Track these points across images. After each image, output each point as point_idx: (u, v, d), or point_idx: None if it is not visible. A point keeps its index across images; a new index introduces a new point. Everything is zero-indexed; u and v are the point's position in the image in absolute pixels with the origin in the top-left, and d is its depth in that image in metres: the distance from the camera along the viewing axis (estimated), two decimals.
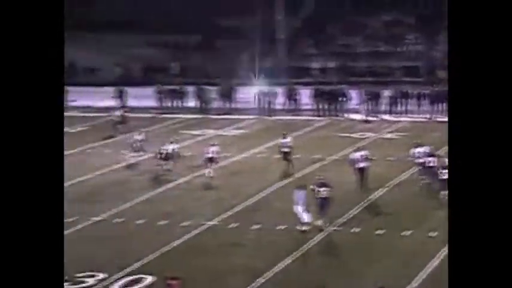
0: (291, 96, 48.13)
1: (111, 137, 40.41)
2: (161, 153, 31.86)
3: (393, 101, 46.20)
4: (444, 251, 21.57)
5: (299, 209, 24.09)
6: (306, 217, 24.02)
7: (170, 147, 32.08)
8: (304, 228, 23.99)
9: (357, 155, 29.48)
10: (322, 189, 24.45)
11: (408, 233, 23.82)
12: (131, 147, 34.81)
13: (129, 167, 33.72)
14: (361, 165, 29.03)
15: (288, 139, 32.94)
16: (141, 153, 34.34)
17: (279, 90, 48.57)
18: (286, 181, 30.47)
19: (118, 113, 42.73)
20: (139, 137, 35.01)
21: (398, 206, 26.86)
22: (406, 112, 45.55)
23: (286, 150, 32.49)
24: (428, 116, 44.55)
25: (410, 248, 22.77)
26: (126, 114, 42.80)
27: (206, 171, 30.97)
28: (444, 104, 44.88)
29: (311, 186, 24.86)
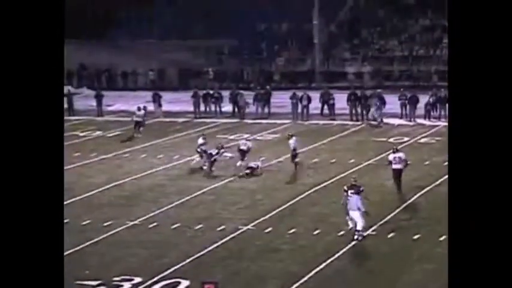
0: (326, 100, 48.06)
1: (130, 138, 40.82)
2: (241, 150, 33.05)
3: (430, 106, 45.92)
4: None
5: (355, 214, 23.60)
6: (360, 223, 23.49)
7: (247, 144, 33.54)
8: (356, 236, 23.58)
9: (393, 156, 29.49)
10: (351, 191, 24.46)
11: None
12: (196, 151, 34.34)
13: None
14: (398, 166, 29.06)
15: (291, 141, 33.00)
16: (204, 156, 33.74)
17: (315, 94, 48.54)
18: (321, 186, 30.46)
19: (140, 113, 42.76)
20: (201, 141, 34.59)
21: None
22: (442, 117, 45.27)
23: (292, 153, 32.79)
24: None
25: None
26: (145, 118, 42.89)
27: (238, 163, 31.24)
28: None
29: (344, 187, 24.87)
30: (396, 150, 29.93)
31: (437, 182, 30.28)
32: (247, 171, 32.38)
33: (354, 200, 23.84)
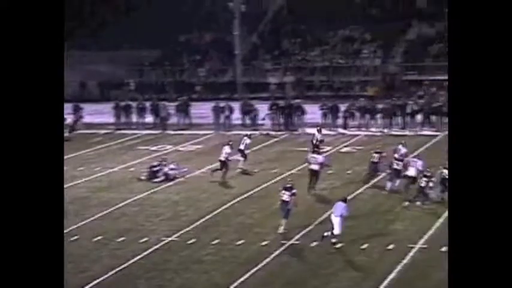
0: (248, 111, 48.19)
1: None
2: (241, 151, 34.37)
3: (350, 115, 46.45)
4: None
5: (336, 220, 23.94)
6: (338, 229, 23.85)
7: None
8: (334, 240, 23.89)
9: (312, 157, 30.93)
10: (286, 193, 25.14)
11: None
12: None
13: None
14: (315, 167, 30.30)
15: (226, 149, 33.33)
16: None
17: (236, 105, 48.61)
18: (245, 195, 30.45)
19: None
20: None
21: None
22: (362, 126, 45.82)
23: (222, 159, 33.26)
24: (384, 129, 44.86)
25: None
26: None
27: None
28: (399, 118, 45.31)
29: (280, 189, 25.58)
30: (315, 152, 31.16)
31: (360, 191, 30.56)
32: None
33: (340, 207, 24.13)
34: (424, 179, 27.97)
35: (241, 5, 54.35)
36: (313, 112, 46.87)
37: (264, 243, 24.42)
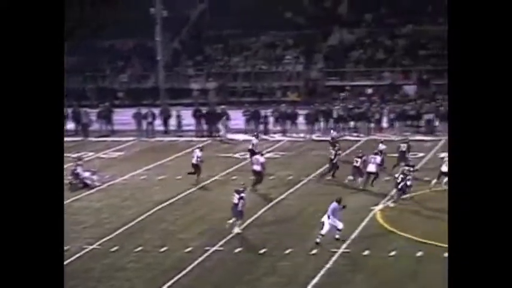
0: (170, 117, 48.04)
1: None
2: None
3: (273, 121, 46.66)
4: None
5: (333, 221, 24.34)
6: (339, 225, 24.40)
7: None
8: (337, 236, 24.38)
9: (255, 158, 32.11)
10: (236, 195, 25.67)
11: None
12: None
13: None
14: (257, 168, 31.32)
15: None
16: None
17: (159, 111, 48.37)
18: (169, 202, 30.30)
19: None
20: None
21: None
22: (287, 131, 46.08)
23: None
24: (306, 135, 45.17)
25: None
26: None
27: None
28: (321, 123, 45.71)
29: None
30: (260, 153, 32.41)
31: (283, 196, 30.69)
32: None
33: (333, 206, 24.52)
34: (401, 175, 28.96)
35: (162, 10, 54.06)
36: (236, 118, 46.93)
37: (187, 249, 24.32)
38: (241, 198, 25.67)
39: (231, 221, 25.82)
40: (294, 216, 27.92)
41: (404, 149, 34.05)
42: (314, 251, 23.75)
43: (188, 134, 46.81)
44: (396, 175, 29.52)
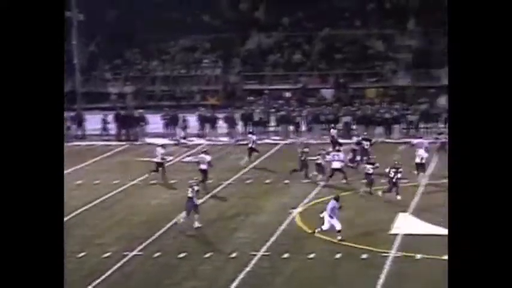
0: (84, 121, 47.69)
1: None
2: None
3: (192, 125, 46.56)
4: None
5: (331, 218, 24.64)
6: (337, 225, 24.63)
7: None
8: (339, 237, 24.53)
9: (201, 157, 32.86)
10: (190, 189, 26.43)
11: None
12: None
13: None
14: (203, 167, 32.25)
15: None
16: None
17: (73, 115, 47.92)
18: (87, 207, 29.96)
19: None
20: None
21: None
22: (207, 135, 46.07)
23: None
24: (227, 139, 45.25)
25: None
26: None
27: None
28: (240, 127, 45.83)
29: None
30: (204, 152, 33.33)
31: (202, 200, 30.61)
32: None
33: (331, 204, 24.87)
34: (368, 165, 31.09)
35: (78, 14, 53.39)
36: (155, 122, 46.68)
37: (106, 254, 24.06)
38: (195, 191, 26.35)
39: (182, 215, 26.26)
40: (214, 220, 27.88)
41: (367, 147, 35.38)
42: (234, 255, 23.76)
43: (105, 138, 46.36)
44: (387, 170, 30.07)
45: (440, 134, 37.72)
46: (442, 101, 47.91)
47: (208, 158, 32.83)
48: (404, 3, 61.33)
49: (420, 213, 27.69)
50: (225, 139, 45.20)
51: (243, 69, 60.36)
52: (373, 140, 37.46)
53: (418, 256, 22.98)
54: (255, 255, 23.67)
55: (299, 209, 28.77)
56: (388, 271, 21.95)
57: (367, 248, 23.76)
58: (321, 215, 25.06)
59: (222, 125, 46.28)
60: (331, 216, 24.67)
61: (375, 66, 57.78)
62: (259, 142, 39.74)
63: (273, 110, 47.98)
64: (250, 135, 39.86)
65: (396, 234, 25.24)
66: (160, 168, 33.77)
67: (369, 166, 31.08)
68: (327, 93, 56.55)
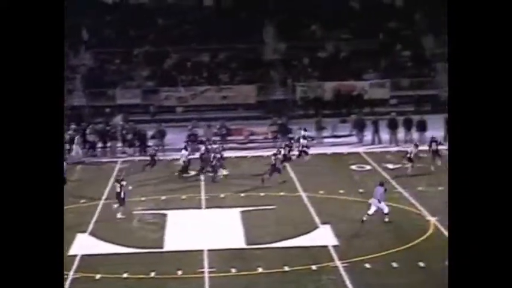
0: None
1: None
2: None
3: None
4: None
5: (379, 203, 25.72)
6: (385, 208, 25.84)
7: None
8: (386, 219, 25.70)
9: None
10: (118, 185, 27.20)
11: None
12: None
13: None
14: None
15: None
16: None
17: None
18: None
19: None
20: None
21: None
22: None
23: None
24: None
25: None
26: None
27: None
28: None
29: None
30: (185, 148, 34.30)
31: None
32: None
33: (379, 190, 25.98)
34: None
35: None
36: None
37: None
38: (122, 186, 27.34)
39: (116, 206, 27.25)
40: None
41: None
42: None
43: None
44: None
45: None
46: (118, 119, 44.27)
47: (186, 152, 33.88)
48: None
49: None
50: None
51: None
52: None
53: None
54: None
55: None
56: None
57: None
58: (369, 201, 26.10)
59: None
60: (379, 201, 25.71)
61: None
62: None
63: None
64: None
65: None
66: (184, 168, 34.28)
67: None
68: None
